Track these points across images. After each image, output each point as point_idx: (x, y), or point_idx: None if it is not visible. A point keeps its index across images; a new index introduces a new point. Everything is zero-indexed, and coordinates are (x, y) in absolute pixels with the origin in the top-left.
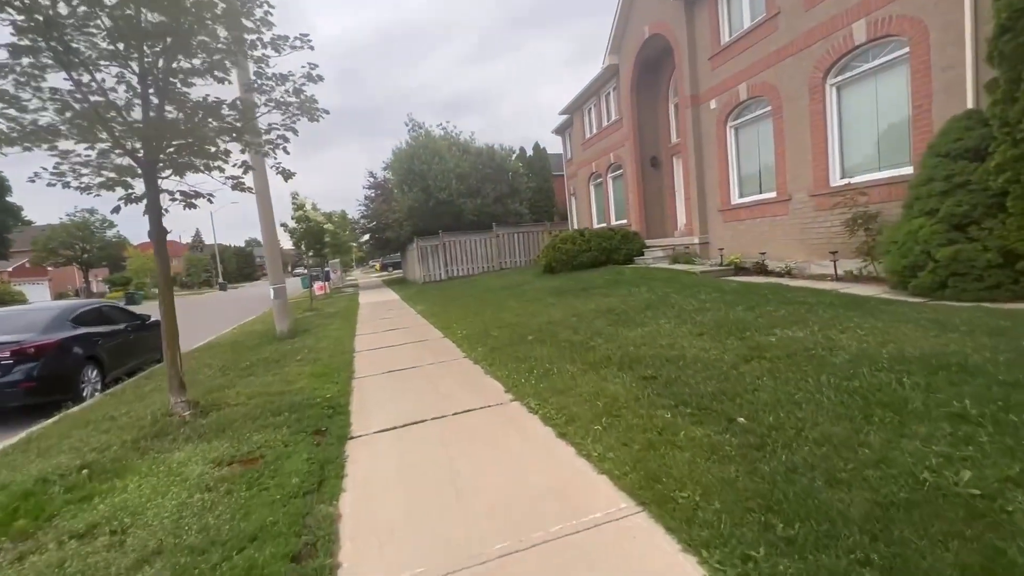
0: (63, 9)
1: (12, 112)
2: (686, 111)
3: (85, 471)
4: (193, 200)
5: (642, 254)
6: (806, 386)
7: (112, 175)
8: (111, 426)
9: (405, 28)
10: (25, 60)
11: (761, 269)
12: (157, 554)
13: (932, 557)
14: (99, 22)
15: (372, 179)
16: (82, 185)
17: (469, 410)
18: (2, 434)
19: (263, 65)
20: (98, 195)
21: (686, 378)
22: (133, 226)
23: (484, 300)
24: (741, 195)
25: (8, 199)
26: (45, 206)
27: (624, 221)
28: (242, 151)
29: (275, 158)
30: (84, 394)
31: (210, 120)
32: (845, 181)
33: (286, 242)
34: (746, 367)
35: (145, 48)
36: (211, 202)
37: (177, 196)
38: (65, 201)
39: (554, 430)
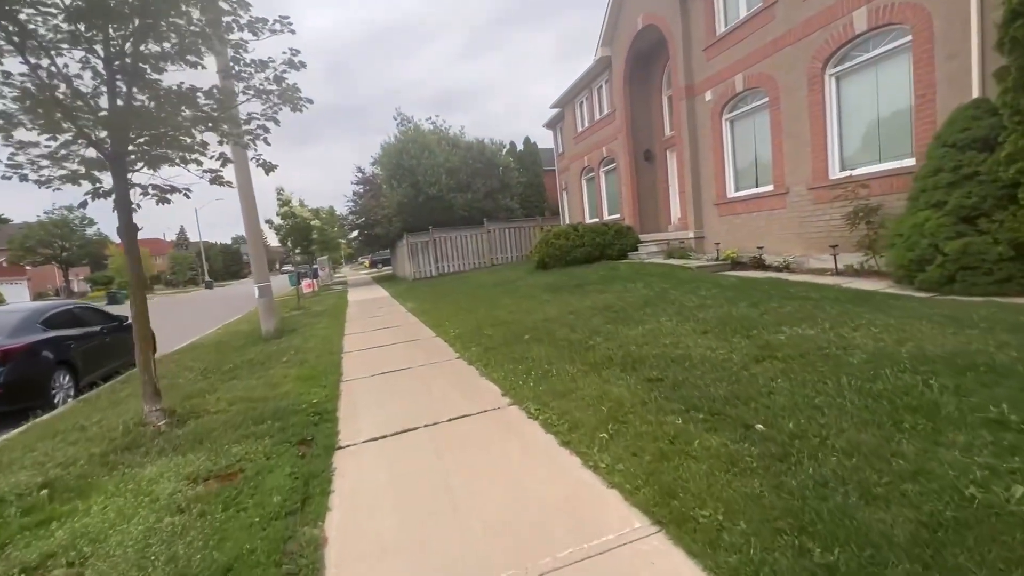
0: None
1: None
2: (680, 103)
3: (45, 491)
4: (167, 195)
5: (636, 249)
6: (825, 389)
7: (77, 168)
8: (80, 437)
9: (394, 24)
10: None
11: (758, 264)
12: None
13: None
14: (57, 0)
15: (360, 174)
16: (42, 178)
17: (464, 416)
18: None
19: (241, 50)
20: (59, 189)
21: (694, 380)
22: (115, 223)
23: (476, 297)
24: (737, 188)
25: None
26: (23, 204)
27: (617, 216)
28: (220, 142)
29: (255, 150)
30: (56, 401)
31: (184, 109)
32: (846, 173)
33: (273, 239)
34: (757, 368)
35: (111, 30)
36: (188, 197)
37: (149, 191)
38: (44, 198)
39: (556, 438)
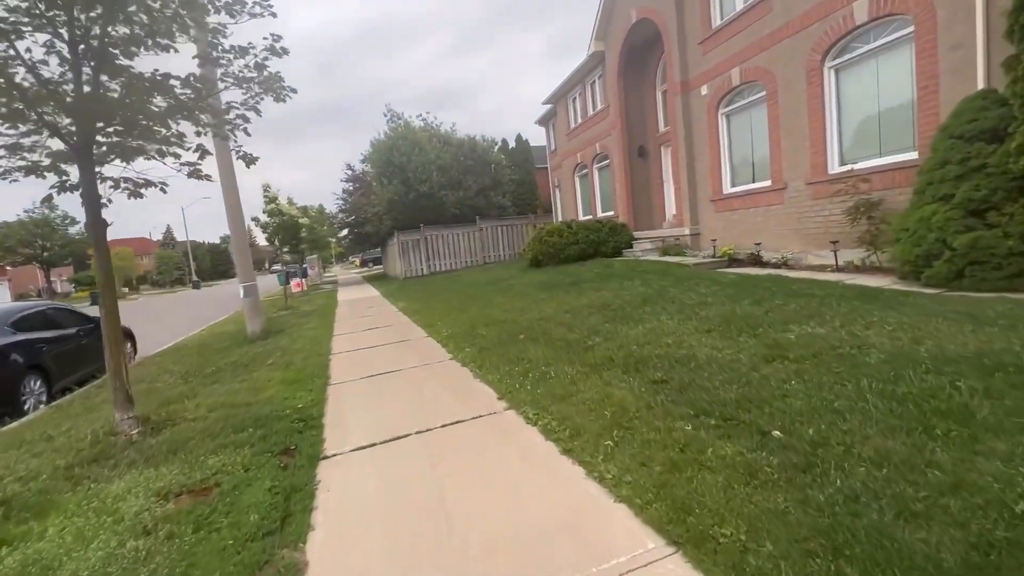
0: None
1: None
2: (675, 98)
3: (0, 509)
4: (141, 189)
5: (630, 246)
6: (844, 392)
7: (39, 159)
8: (45, 448)
9: (384, 22)
10: None
11: (756, 260)
12: None
13: None
14: None
15: (350, 172)
16: None
17: (459, 421)
18: None
19: (219, 36)
20: (15, 180)
21: (701, 382)
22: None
23: (469, 296)
24: (734, 184)
25: None
26: (2, 202)
27: (611, 213)
28: (197, 133)
29: (235, 140)
30: (26, 407)
31: (156, 96)
32: (847, 167)
33: (261, 238)
34: (768, 369)
35: (75, 11)
36: (164, 191)
37: (120, 185)
38: (23, 196)
39: (557, 446)
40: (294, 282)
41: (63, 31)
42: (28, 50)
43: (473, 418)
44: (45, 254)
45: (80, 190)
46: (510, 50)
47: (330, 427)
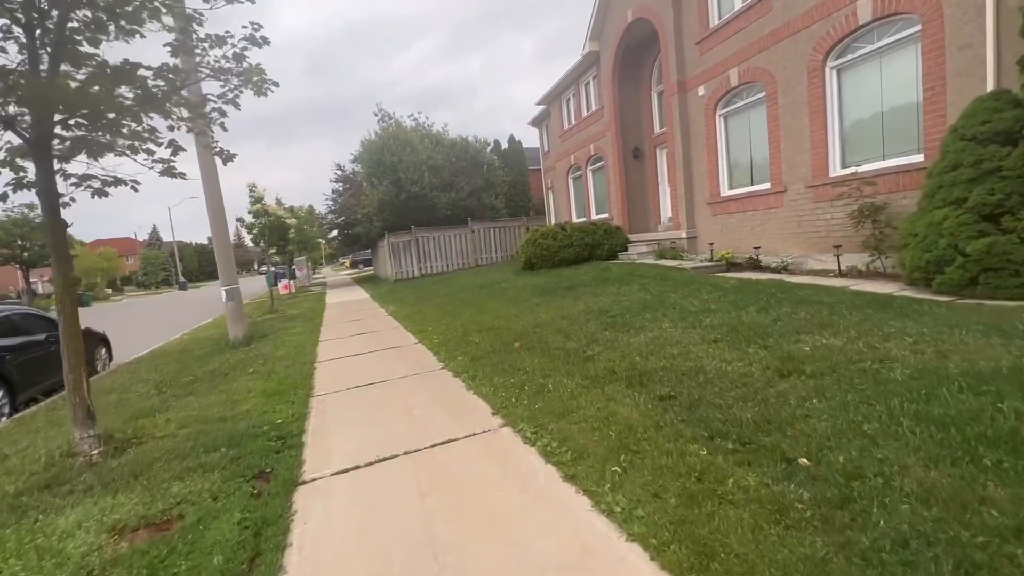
0: None
1: None
2: (672, 99)
3: None
4: (107, 188)
5: (626, 249)
6: (873, 413)
7: None
8: None
9: (376, 22)
10: None
11: (755, 265)
12: None
13: None
14: None
15: (340, 172)
16: None
17: (450, 440)
18: None
19: (192, 23)
20: None
21: (712, 398)
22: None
23: (461, 300)
24: (731, 187)
25: None
26: None
27: (605, 215)
28: (170, 128)
29: (211, 135)
30: None
31: (123, 88)
32: (851, 170)
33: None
34: (784, 384)
35: None
36: (135, 190)
37: (85, 183)
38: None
39: (559, 470)
40: (282, 284)
41: (20, 15)
42: None
43: (466, 436)
44: (25, 254)
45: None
46: (503, 52)
47: (311, 446)
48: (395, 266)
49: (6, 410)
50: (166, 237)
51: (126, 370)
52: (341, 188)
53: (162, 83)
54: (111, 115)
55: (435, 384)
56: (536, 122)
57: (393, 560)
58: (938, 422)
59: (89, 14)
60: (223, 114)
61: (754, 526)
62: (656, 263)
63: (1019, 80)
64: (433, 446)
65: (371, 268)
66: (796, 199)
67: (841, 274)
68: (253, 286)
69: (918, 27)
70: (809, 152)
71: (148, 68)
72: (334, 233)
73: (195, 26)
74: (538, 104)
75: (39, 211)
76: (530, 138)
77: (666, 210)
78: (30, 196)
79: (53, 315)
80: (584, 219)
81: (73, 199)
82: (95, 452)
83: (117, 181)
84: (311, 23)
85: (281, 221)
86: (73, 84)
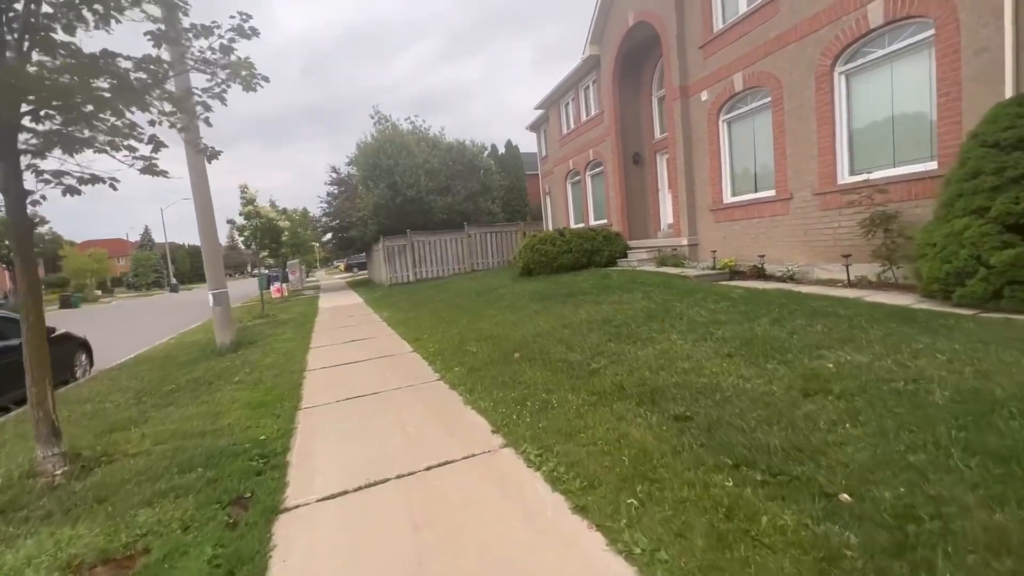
0: None
1: None
2: (674, 103)
3: None
4: (82, 186)
5: (625, 256)
6: (917, 441)
7: None
8: None
9: (373, 27)
10: None
11: (759, 273)
12: None
13: None
14: None
15: (335, 174)
16: None
17: (447, 462)
18: None
19: (176, 11)
20: None
21: (733, 420)
22: (73, 222)
23: (458, 306)
24: (735, 193)
25: None
26: None
27: (604, 221)
28: (151, 123)
29: (196, 131)
30: None
31: (99, 79)
32: (862, 177)
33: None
34: (810, 406)
35: None
36: (115, 188)
37: (55, 180)
38: None
39: (568, 501)
40: (274, 287)
41: None
42: None
43: (464, 458)
44: (11, 255)
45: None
46: (500, 58)
47: (296, 467)
48: (390, 270)
49: None
50: (159, 238)
51: (106, 377)
52: (336, 191)
53: (144, 75)
54: (88, 107)
55: (430, 397)
56: (534, 127)
57: None
58: (995, 455)
59: None
60: (208, 108)
61: None
62: (657, 270)
63: None
64: (428, 468)
65: (365, 272)
66: (802, 207)
67: (851, 284)
68: (246, 289)
69: (931, 31)
70: (816, 159)
71: (128, 58)
72: (328, 236)
73: (180, 15)
74: (536, 108)
75: (27, 212)
76: (527, 144)
77: (667, 217)
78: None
79: None
80: (582, 225)
81: (44, 197)
82: (59, 472)
83: (94, 179)
84: (308, 27)
85: (273, 223)
86: (31, 70)
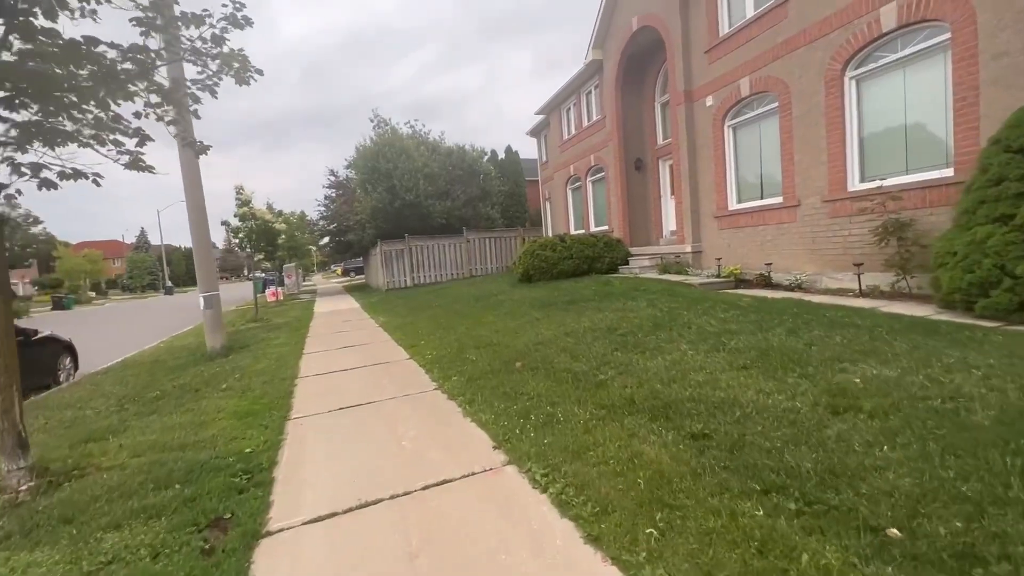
0: None
1: None
2: (678, 108)
3: None
4: (60, 180)
5: (627, 263)
6: (967, 468)
7: None
8: None
9: (374, 32)
10: None
11: (765, 282)
12: None
13: None
14: None
15: (333, 177)
16: None
17: (446, 481)
18: None
19: None
20: None
21: (757, 440)
22: (70, 223)
23: (456, 312)
24: (740, 200)
25: None
26: None
27: (605, 227)
28: (136, 115)
29: (184, 124)
30: None
31: (78, 68)
32: (875, 184)
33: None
34: (840, 424)
35: None
36: (98, 184)
37: (28, 172)
38: None
39: (579, 529)
40: (269, 291)
41: None
42: None
43: (464, 476)
44: (5, 254)
45: None
46: (500, 65)
47: (282, 483)
48: (387, 275)
49: None
50: (155, 241)
51: (90, 382)
52: (334, 194)
53: (131, 65)
54: (69, 98)
55: (428, 408)
56: (535, 132)
57: None
58: None
59: None
60: (196, 100)
61: None
62: (660, 277)
63: None
64: (425, 488)
65: (363, 276)
66: (811, 214)
67: (862, 294)
68: (242, 291)
69: (947, 35)
70: (826, 165)
71: (113, 46)
72: (325, 240)
73: (172, 2)
74: (537, 114)
75: (21, 211)
76: (527, 150)
77: (669, 223)
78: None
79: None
80: (583, 231)
81: (19, 191)
82: (23, 488)
83: (76, 173)
84: (310, 32)
85: (269, 225)
86: (9, 57)
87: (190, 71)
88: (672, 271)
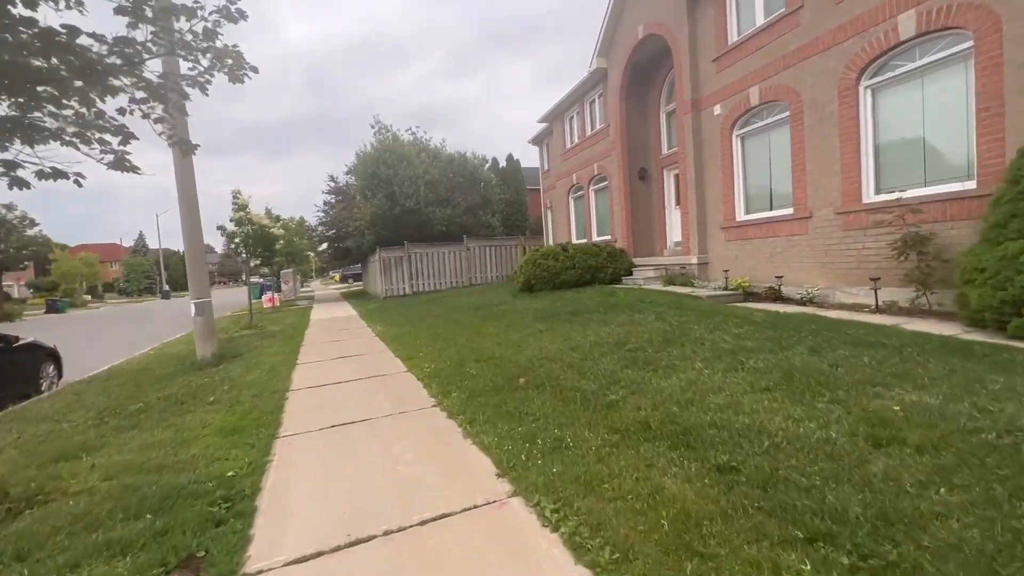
0: None
1: None
2: (685, 118)
3: None
4: (30, 180)
5: (630, 274)
6: None
7: None
8: None
9: (377, 40)
10: None
11: (775, 295)
12: None
13: None
14: None
15: (333, 183)
16: None
17: (445, 515)
18: None
19: None
20: None
21: (791, 475)
22: (68, 227)
23: (456, 322)
24: (748, 211)
25: None
26: None
27: (607, 237)
28: (120, 112)
29: (170, 122)
30: None
31: (64, 57)
32: (895, 196)
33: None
34: (885, 460)
35: None
36: (79, 185)
37: (10, 171)
38: None
39: None
40: (265, 297)
41: None
42: None
43: (465, 510)
44: (1, 257)
45: None
46: (501, 74)
47: (264, 514)
48: (386, 282)
49: None
50: (153, 244)
51: (72, 392)
52: (333, 200)
53: (117, 60)
54: (48, 91)
55: (426, 427)
56: (537, 140)
57: None
58: None
59: None
60: (184, 95)
61: None
62: (666, 289)
63: None
64: (423, 523)
65: (360, 283)
66: (823, 226)
67: (879, 310)
68: (240, 296)
69: (970, 43)
70: (839, 176)
71: (96, 37)
72: (324, 246)
73: None
74: (540, 122)
75: (17, 212)
76: (528, 158)
77: (674, 234)
78: (7, 196)
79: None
80: (585, 240)
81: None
82: None
83: (56, 173)
84: (313, 39)
85: (266, 231)
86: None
87: (181, 67)
88: (677, 282)
